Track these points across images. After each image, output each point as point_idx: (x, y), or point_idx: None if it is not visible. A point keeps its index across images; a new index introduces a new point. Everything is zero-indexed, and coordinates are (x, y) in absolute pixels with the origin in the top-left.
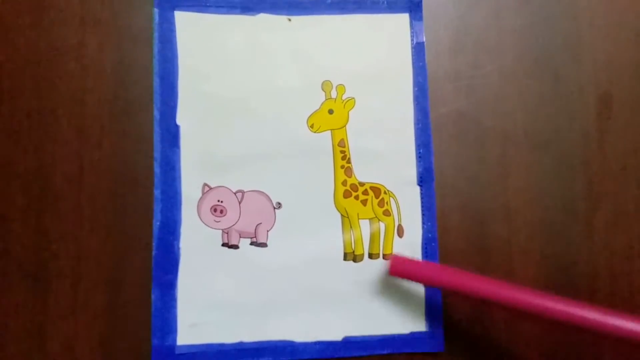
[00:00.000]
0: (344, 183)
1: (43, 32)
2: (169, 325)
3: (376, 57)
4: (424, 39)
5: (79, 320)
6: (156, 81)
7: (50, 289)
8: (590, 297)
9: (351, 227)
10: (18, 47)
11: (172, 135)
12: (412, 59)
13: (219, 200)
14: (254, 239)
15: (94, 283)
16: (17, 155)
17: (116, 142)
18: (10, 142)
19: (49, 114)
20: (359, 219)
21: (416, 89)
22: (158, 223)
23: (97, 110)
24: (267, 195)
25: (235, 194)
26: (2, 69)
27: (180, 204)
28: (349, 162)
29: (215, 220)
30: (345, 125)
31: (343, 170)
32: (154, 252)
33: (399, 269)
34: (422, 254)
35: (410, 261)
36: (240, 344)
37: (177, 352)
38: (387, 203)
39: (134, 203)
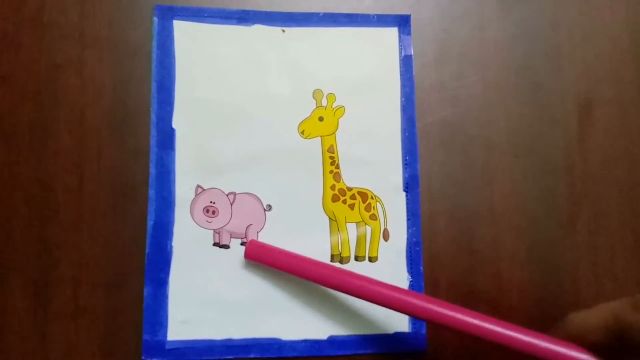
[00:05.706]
0: (333, 187)
1: (44, 47)
2: (160, 321)
3: (366, 68)
4: (412, 52)
5: (79, 325)
6: (154, 86)
7: (51, 295)
8: (575, 295)
9: (338, 230)
10: (20, 63)
11: (167, 138)
12: (400, 71)
13: (211, 202)
14: (245, 240)
15: (94, 288)
16: (19, 167)
17: (115, 154)
18: (13, 154)
19: (50, 127)
20: (346, 222)
21: (403, 99)
22: (152, 222)
23: (96, 123)
24: (258, 198)
25: (227, 195)
26: (5, 84)
27: (173, 205)
28: (337, 167)
29: (207, 221)
30: (334, 132)
31: (332, 175)
32: (147, 251)
33: (254, 253)
34: (407, 257)
35: (266, 246)
36: (229, 340)
37: (167, 347)
38: (373, 208)
39: (132, 211)
